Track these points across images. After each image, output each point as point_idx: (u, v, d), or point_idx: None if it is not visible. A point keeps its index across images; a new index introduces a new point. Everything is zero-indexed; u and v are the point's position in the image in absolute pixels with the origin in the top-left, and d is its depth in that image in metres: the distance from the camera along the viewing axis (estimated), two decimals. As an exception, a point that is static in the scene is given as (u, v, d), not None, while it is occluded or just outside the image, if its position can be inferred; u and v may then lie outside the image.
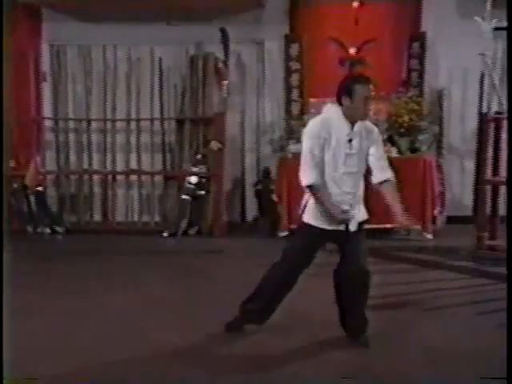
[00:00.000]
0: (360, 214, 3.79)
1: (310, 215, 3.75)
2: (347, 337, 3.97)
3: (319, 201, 3.63)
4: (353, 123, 3.65)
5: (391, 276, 5.66)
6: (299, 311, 4.42)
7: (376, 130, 3.79)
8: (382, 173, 3.71)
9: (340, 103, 3.67)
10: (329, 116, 3.70)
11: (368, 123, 3.73)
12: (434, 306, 4.82)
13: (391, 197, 3.70)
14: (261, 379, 3.49)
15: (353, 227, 3.72)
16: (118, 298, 4.97)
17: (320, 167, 3.60)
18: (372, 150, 3.71)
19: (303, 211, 3.79)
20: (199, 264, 6.23)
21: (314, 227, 3.74)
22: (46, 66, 8.11)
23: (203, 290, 5.24)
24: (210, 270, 5.95)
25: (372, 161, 3.72)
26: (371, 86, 3.61)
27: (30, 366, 3.48)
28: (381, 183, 3.71)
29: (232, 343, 3.98)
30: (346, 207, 3.67)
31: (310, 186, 3.61)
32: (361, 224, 3.79)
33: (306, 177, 3.60)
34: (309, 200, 3.77)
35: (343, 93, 3.64)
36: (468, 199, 7.91)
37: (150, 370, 3.59)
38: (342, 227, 3.71)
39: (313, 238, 3.77)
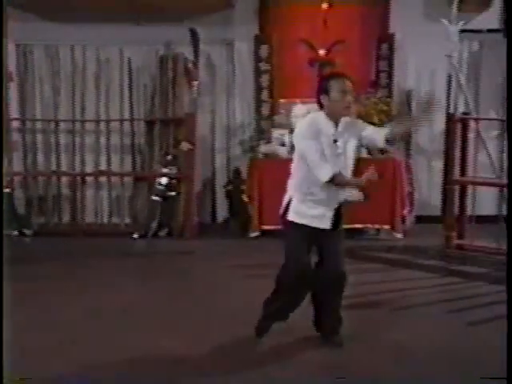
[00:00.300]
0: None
1: (295, 213, 3.78)
2: (321, 337, 4.01)
3: (342, 185, 3.70)
4: (336, 123, 3.69)
5: (362, 275, 5.70)
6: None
7: (359, 120, 3.90)
8: (380, 133, 3.76)
9: (321, 106, 3.72)
10: (314, 117, 3.75)
11: (349, 119, 3.77)
12: (404, 305, 4.90)
13: (400, 128, 3.86)
14: (239, 379, 3.53)
15: (343, 223, 3.83)
16: (92, 300, 4.96)
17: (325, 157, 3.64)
18: (366, 132, 3.76)
19: (286, 210, 3.82)
20: (172, 265, 6.20)
21: (299, 225, 3.77)
22: (12, 65, 7.96)
23: (179, 291, 5.26)
24: (182, 272, 5.94)
25: (370, 138, 3.77)
26: (347, 81, 3.66)
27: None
28: (387, 140, 3.74)
29: (212, 343, 3.99)
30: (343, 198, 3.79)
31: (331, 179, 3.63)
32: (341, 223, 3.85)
33: (323, 173, 3.61)
34: (292, 198, 3.80)
35: (321, 93, 3.70)
36: (436, 199, 8.02)
37: (135, 370, 3.62)
38: (327, 225, 3.76)
39: (302, 233, 3.78)
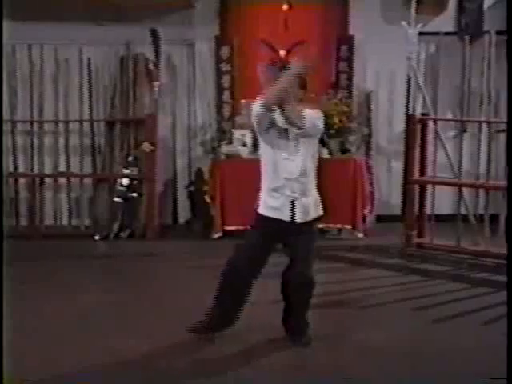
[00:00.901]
0: (311, 206, 3.86)
1: (261, 205, 3.86)
2: (288, 336, 4.04)
3: (277, 92, 3.58)
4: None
5: (325, 275, 5.74)
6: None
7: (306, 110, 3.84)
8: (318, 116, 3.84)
9: None
10: None
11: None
12: (369, 304, 4.96)
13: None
14: (210, 381, 3.53)
15: (299, 217, 3.79)
16: (54, 303, 4.92)
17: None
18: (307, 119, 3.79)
19: (258, 205, 3.90)
20: (134, 267, 6.16)
21: (263, 218, 3.83)
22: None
23: (141, 293, 5.23)
24: (145, 273, 5.90)
25: (312, 124, 3.78)
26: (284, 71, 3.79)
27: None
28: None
29: (178, 344, 4.00)
30: (291, 193, 3.78)
31: (265, 106, 3.63)
32: (312, 222, 3.87)
33: (255, 106, 3.70)
34: (262, 192, 3.87)
35: None
36: (395, 198, 8.15)
37: (103, 371, 3.62)
38: (287, 217, 3.78)
39: (263, 229, 3.85)
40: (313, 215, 3.87)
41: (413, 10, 6.62)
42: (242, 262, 3.86)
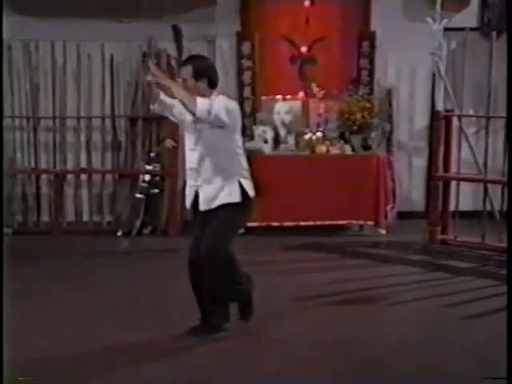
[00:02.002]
0: (215, 193, 3.92)
1: None
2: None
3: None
4: None
5: (348, 272, 5.78)
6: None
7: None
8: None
9: None
10: None
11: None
12: (396, 301, 4.96)
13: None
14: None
15: (202, 205, 3.95)
16: (78, 299, 4.96)
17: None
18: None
19: None
20: (157, 264, 6.18)
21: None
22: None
23: (163, 289, 5.24)
24: (168, 270, 5.87)
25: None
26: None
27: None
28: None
29: (192, 344, 4.03)
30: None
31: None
32: (221, 208, 3.92)
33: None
34: None
35: None
36: (416, 195, 8.12)
37: (114, 368, 3.67)
38: (189, 204, 4.03)
39: (195, 219, 4.11)
40: (221, 201, 3.90)
41: (438, 6, 6.58)
42: (189, 256, 4.15)
